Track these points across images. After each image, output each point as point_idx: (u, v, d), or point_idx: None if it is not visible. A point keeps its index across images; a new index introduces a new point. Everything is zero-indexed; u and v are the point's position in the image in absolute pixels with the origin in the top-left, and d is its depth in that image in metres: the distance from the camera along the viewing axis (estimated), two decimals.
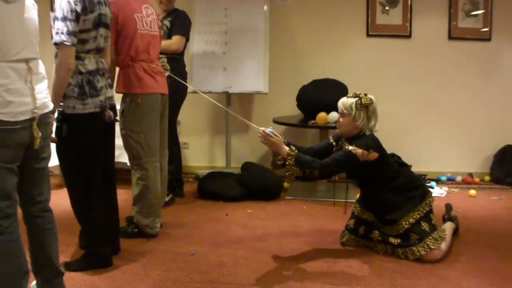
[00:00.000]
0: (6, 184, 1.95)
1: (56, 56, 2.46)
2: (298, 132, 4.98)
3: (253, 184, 4.20)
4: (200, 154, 5.24)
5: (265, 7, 4.74)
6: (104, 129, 2.68)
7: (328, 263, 2.83)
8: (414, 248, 2.82)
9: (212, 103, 3.45)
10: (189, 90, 4.06)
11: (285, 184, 4.47)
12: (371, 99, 2.87)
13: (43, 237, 2.16)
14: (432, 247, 2.80)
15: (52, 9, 2.49)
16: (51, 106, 2.12)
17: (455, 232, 3.23)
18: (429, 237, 2.83)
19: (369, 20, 4.94)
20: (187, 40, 4.08)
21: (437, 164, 4.99)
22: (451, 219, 3.31)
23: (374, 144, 2.83)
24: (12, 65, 1.90)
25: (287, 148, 2.71)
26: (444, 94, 4.96)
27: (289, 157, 2.68)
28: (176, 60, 3.98)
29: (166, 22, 3.95)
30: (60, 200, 3.09)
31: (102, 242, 2.72)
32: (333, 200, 3.76)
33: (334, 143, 3.02)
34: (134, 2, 3.09)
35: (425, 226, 2.86)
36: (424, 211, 2.90)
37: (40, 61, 2.07)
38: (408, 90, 4.99)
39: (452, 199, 4.11)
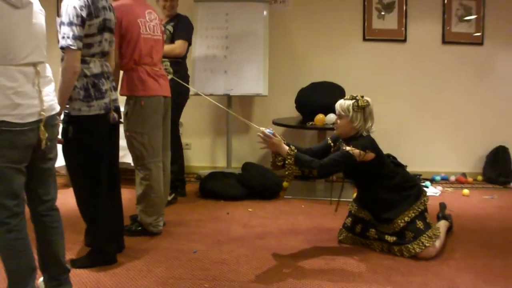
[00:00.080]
0: (14, 184, 1.95)
1: (62, 59, 2.46)
2: (296, 133, 4.98)
3: (253, 184, 4.20)
4: (202, 154, 5.24)
5: (265, 13, 4.75)
6: (109, 131, 2.69)
7: (326, 260, 2.83)
8: (409, 246, 2.83)
9: (214, 105, 3.46)
10: (191, 92, 4.06)
11: (284, 184, 4.47)
12: (367, 101, 2.87)
13: (50, 235, 2.16)
14: (427, 244, 2.81)
15: (59, 15, 2.49)
16: (57, 108, 2.13)
17: (449, 230, 3.23)
18: (424, 235, 2.83)
19: (366, 24, 4.94)
20: (190, 44, 4.08)
21: (431, 164, 4.99)
22: (445, 217, 3.31)
23: (370, 144, 2.83)
24: (21, 68, 1.91)
25: (286, 148, 2.71)
26: (439, 97, 4.96)
27: (288, 157, 2.68)
28: (179, 64, 3.99)
29: (169, 27, 3.95)
30: (66, 199, 3.09)
31: (107, 240, 2.72)
32: (330, 199, 3.75)
33: (332, 144, 3.02)
34: (138, 7, 3.09)
35: (420, 224, 2.86)
36: (419, 210, 2.90)
37: (47, 65, 2.08)
38: (404, 92, 4.99)
39: (446, 198, 4.11)
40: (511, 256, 2.89)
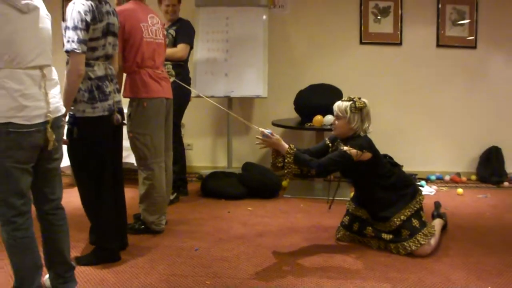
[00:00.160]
0: (21, 184, 1.96)
1: (67, 63, 2.46)
2: (295, 134, 4.98)
3: (253, 183, 4.20)
4: (203, 155, 5.24)
5: (264, 17, 4.76)
6: (113, 132, 2.69)
7: (324, 257, 2.83)
8: (405, 243, 2.83)
9: (214, 107, 3.47)
10: (192, 94, 4.07)
11: (284, 183, 4.47)
12: (364, 103, 2.88)
13: (56, 233, 2.16)
14: (422, 242, 2.81)
15: (64, 19, 2.50)
16: (63, 110, 2.13)
17: (444, 228, 3.24)
18: (420, 233, 2.83)
19: (362, 28, 4.95)
20: (191, 48, 4.08)
21: (426, 164, 5.00)
22: (440, 216, 3.32)
23: (367, 144, 2.83)
24: (27, 71, 1.92)
25: (286, 146, 2.71)
26: (433, 98, 4.97)
27: (288, 155, 2.68)
28: (180, 67, 3.99)
29: (172, 31, 3.95)
30: (71, 198, 3.09)
31: (111, 238, 2.72)
32: (327, 198, 3.75)
33: (330, 144, 3.02)
34: (140, 12, 3.10)
35: (415, 222, 2.86)
36: (415, 208, 2.90)
37: (53, 68, 2.08)
38: (400, 94, 5.00)
39: (441, 197, 4.12)
40: (504, 253, 2.90)
